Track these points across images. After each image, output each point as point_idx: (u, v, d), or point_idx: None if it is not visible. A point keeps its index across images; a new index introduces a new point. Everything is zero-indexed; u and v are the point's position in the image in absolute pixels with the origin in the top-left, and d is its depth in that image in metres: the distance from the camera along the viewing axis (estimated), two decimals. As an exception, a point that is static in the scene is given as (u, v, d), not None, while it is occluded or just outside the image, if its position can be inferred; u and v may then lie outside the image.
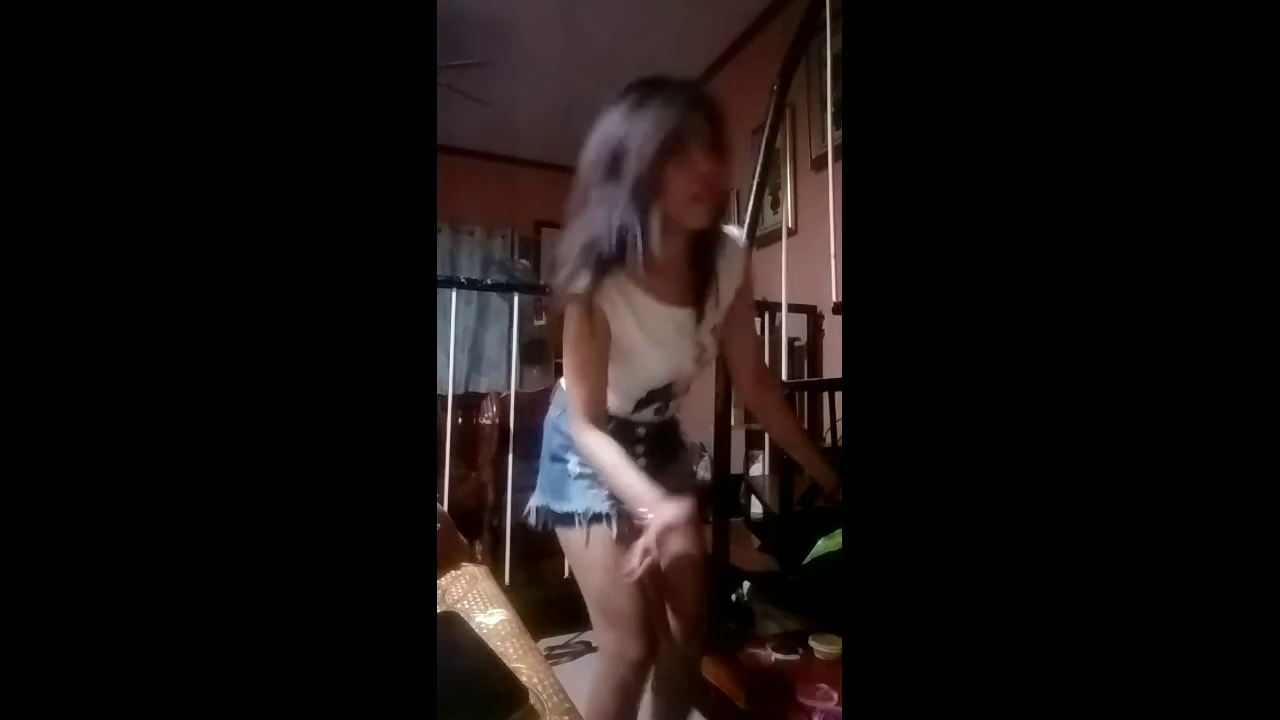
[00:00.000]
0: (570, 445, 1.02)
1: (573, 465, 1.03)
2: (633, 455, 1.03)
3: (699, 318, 0.98)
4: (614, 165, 0.85)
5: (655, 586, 1.05)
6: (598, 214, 0.86)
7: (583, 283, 0.87)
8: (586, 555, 0.99)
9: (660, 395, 1.04)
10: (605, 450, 0.93)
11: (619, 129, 0.86)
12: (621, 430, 1.04)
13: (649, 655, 0.96)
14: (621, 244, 0.85)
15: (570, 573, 1.09)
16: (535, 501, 1.07)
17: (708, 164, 0.84)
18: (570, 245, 0.89)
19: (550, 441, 1.08)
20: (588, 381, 0.95)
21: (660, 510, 0.84)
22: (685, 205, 0.86)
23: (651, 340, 0.95)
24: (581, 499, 1.00)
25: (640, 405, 1.04)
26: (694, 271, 0.97)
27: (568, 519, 1.01)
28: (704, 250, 0.96)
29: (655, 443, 1.09)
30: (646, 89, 0.87)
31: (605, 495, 0.99)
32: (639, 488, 0.89)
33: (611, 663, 0.98)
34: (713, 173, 0.85)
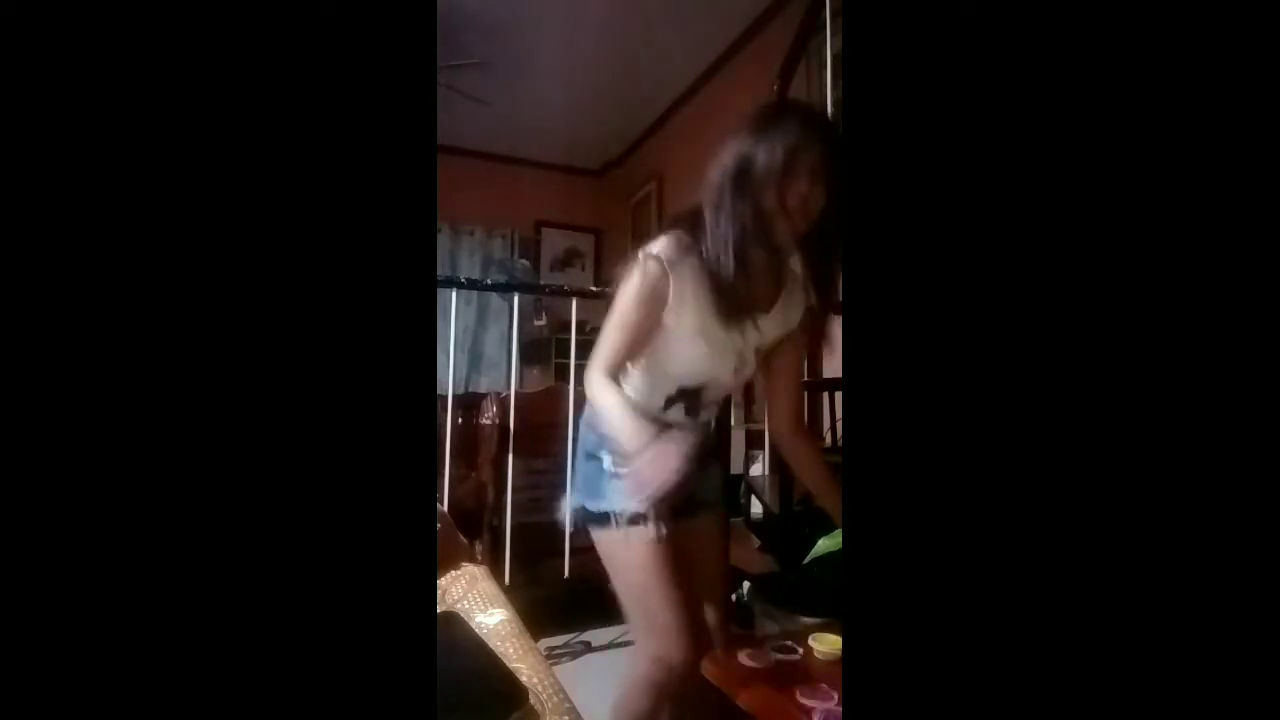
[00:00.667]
0: (604, 443, 1.02)
1: (608, 463, 1.02)
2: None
3: (752, 329, 0.98)
4: (738, 178, 0.91)
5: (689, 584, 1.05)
6: (713, 217, 0.92)
7: (668, 250, 0.93)
8: (624, 555, 0.98)
9: (690, 397, 1.04)
10: (607, 393, 0.94)
11: (746, 145, 0.91)
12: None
13: (694, 658, 0.93)
14: (726, 249, 0.90)
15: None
16: (571, 502, 1.06)
17: (807, 183, 0.88)
18: (683, 232, 0.95)
19: (585, 440, 1.08)
20: (620, 337, 0.97)
21: (649, 457, 0.81)
22: (779, 216, 0.89)
23: (696, 332, 0.96)
24: (619, 497, 0.98)
25: (669, 403, 1.04)
26: (763, 285, 0.99)
27: (603, 518, 0.99)
28: (781, 267, 0.99)
29: None
30: (774, 110, 0.94)
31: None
32: (630, 430, 0.88)
33: (651, 666, 0.96)
34: (809, 192, 0.88)
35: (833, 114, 1.97)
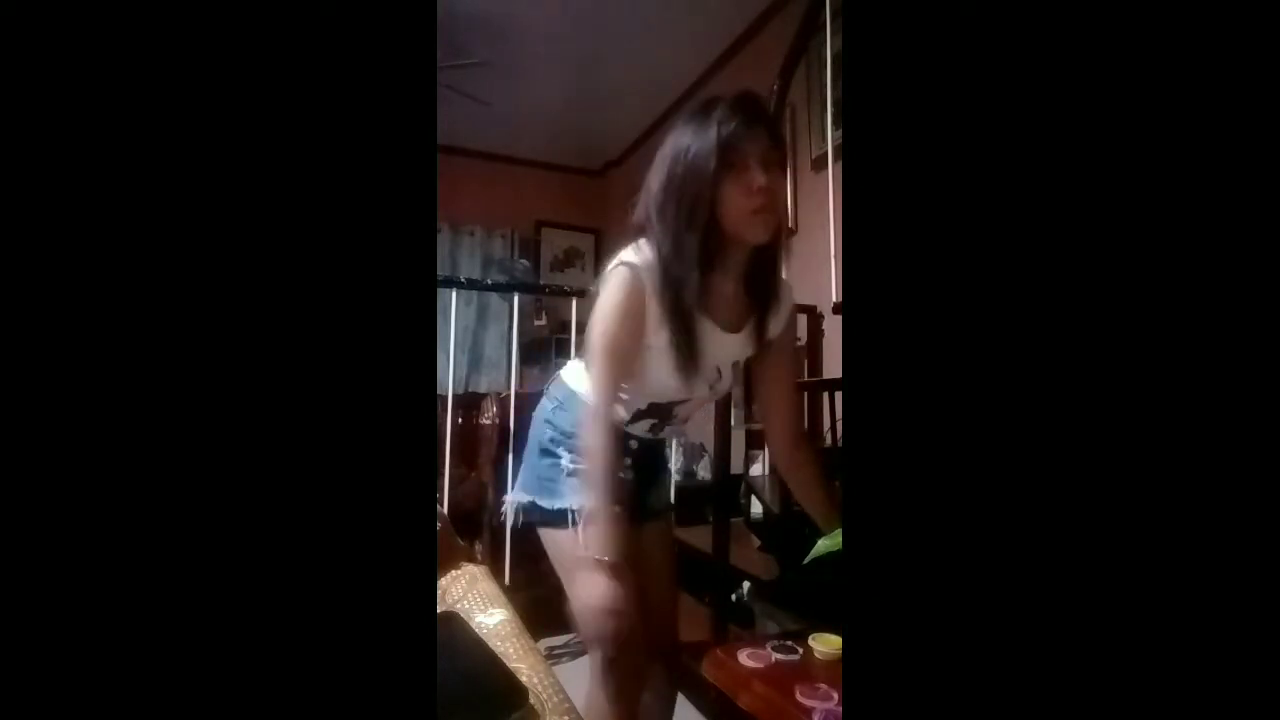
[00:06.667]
0: (563, 440, 1.00)
1: (565, 461, 0.99)
2: (619, 468, 1.01)
3: (733, 342, 0.96)
4: (675, 180, 0.86)
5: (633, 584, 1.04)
6: (660, 229, 0.88)
7: (642, 257, 0.88)
8: (579, 553, 0.97)
9: (661, 412, 1.02)
10: (597, 457, 0.90)
11: (681, 143, 0.87)
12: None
13: (636, 638, 0.94)
14: (678, 262, 0.86)
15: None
16: (518, 497, 1.03)
17: (764, 176, 0.84)
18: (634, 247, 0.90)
19: (540, 435, 1.04)
20: (610, 361, 0.91)
21: (588, 581, 0.88)
22: (745, 220, 0.86)
23: (670, 346, 0.92)
24: (576, 496, 0.96)
25: (638, 417, 1.02)
26: (741, 294, 0.96)
27: (558, 516, 0.98)
28: (757, 273, 0.95)
29: (643, 459, 1.07)
30: (708, 104, 0.88)
31: None
32: (596, 529, 0.88)
33: (612, 656, 0.96)
34: (770, 185, 0.84)
35: (832, 114, 1.97)
